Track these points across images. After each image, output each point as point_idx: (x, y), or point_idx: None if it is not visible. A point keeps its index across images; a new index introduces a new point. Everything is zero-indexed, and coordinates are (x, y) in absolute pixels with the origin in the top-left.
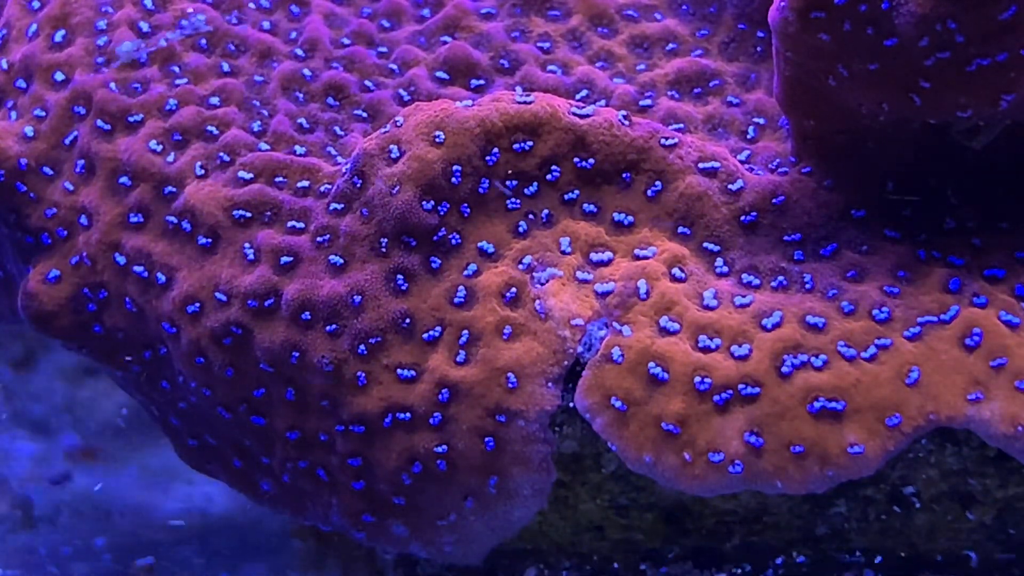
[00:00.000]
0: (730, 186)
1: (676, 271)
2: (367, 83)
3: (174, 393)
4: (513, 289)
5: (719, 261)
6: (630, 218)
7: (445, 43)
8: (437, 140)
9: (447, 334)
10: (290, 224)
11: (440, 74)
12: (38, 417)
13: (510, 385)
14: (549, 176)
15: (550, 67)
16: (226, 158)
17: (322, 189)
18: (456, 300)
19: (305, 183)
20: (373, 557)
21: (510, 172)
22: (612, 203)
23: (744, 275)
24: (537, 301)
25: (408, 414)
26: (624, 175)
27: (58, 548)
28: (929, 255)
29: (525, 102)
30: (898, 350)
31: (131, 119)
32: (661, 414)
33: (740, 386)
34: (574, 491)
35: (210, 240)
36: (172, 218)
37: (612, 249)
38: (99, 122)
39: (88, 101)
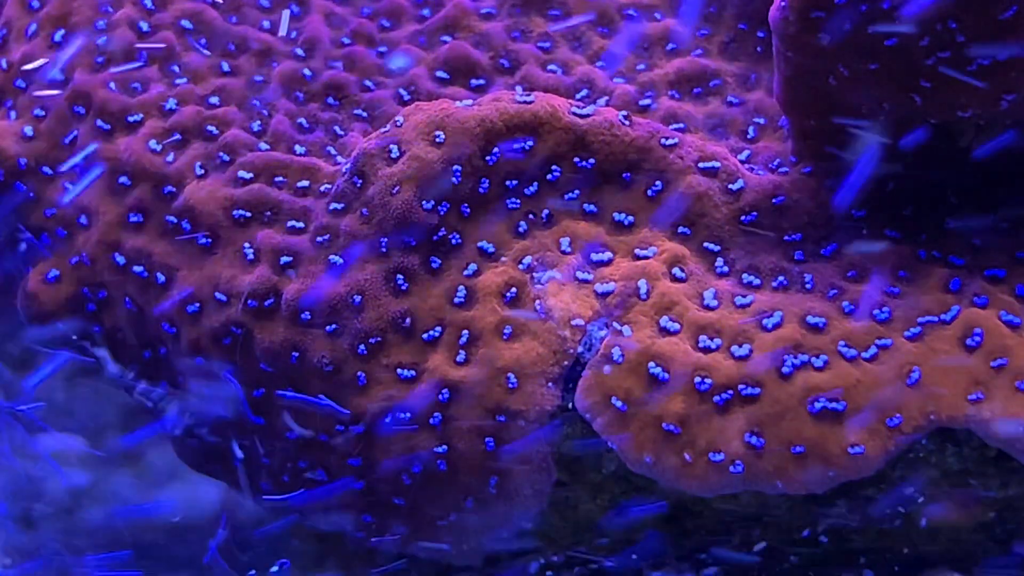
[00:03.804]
0: (730, 186)
1: (676, 271)
2: (367, 83)
3: (174, 393)
4: (513, 289)
5: (719, 261)
6: (630, 218)
7: (445, 43)
8: (437, 140)
9: (447, 334)
10: (290, 224)
11: (440, 74)
12: (38, 417)
13: (510, 385)
14: (549, 176)
15: (550, 67)
16: (226, 158)
17: (322, 189)
18: (456, 300)
19: (305, 183)
20: (373, 557)
21: (510, 172)
22: (612, 203)
23: (744, 275)
24: (537, 301)
25: (408, 414)
26: (624, 175)
27: (58, 548)
28: (929, 255)
29: (525, 102)
30: (899, 350)
31: (131, 119)
32: (661, 414)
33: (740, 386)
34: (574, 491)
35: (210, 240)
36: (172, 218)
37: (612, 249)
38: (99, 122)
39: (88, 101)
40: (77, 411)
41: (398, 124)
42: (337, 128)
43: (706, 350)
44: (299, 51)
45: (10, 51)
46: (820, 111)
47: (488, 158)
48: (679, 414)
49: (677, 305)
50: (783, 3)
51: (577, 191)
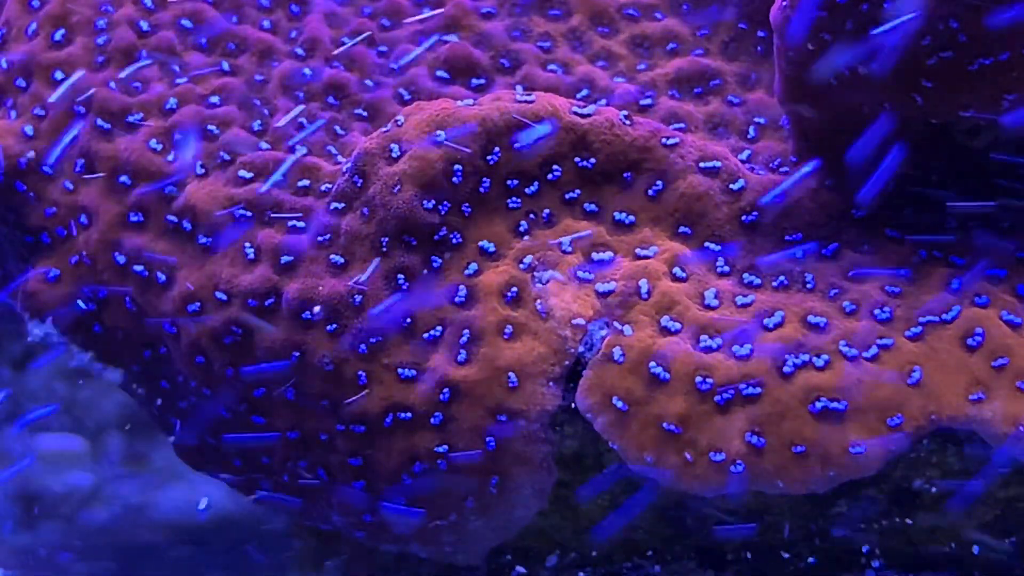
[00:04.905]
0: (731, 186)
1: (677, 271)
2: (367, 82)
3: (174, 393)
4: (514, 288)
5: (720, 260)
6: (631, 217)
7: (445, 42)
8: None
9: (448, 334)
10: (291, 223)
11: (441, 73)
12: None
13: (511, 385)
14: (550, 175)
15: (551, 66)
16: (226, 157)
17: (322, 188)
18: (457, 299)
19: (305, 182)
20: (373, 557)
21: (511, 171)
22: (613, 203)
23: (745, 275)
24: (538, 300)
25: (409, 414)
26: (625, 174)
27: (58, 548)
28: (930, 255)
29: (526, 101)
30: (900, 350)
31: (131, 118)
32: (662, 414)
33: (741, 386)
34: (575, 491)
35: (210, 239)
36: (172, 217)
37: (613, 249)
38: (99, 121)
39: (87, 100)
40: (77, 411)
41: (399, 123)
42: (337, 127)
43: (707, 350)
44: (299, 51)
45: (10, 50)
46: (821, 111)
47: (489, 157)
48: (680, 414)
49: (678, 305)
50: (784, 2)
51: (578, 191)
